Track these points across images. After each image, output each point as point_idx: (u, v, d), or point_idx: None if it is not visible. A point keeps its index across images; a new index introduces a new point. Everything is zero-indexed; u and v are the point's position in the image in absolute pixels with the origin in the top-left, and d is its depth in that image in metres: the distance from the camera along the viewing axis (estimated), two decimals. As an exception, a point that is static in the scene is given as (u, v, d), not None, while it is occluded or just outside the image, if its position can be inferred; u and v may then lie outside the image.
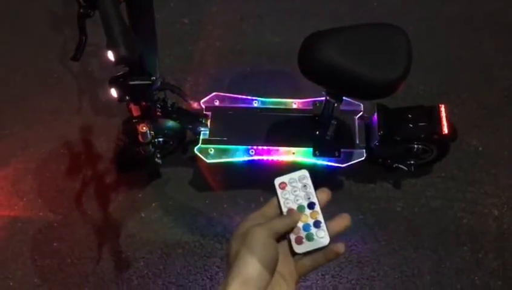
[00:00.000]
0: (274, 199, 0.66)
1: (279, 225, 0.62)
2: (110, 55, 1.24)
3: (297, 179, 0.66)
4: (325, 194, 0.66)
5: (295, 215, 0.64)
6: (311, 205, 0.64)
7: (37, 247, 2.01)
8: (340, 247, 0.62)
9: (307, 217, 0.63)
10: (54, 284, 1.94)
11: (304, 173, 0.67)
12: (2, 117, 2.32)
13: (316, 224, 0.62)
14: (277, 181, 0.66)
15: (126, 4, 1.28)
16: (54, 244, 2.01)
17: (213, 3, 2.67)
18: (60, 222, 2.06)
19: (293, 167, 1.87)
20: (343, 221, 0.64)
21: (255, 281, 0.56)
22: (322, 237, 0.61)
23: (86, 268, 1.96)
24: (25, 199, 2.10)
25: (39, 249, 2.01)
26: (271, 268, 0.58)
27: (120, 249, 2.00)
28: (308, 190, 0.65)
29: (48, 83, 2.41)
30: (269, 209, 0.65)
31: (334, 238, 0.61)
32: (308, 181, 0.66)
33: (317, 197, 0.65)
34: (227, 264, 0.61)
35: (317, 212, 0.64)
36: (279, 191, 0.66)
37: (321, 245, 0.61)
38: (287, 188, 0.66)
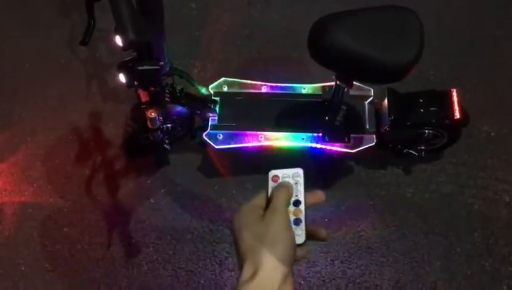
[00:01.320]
0: (264, 191, 0.68)
1: (281, 200, 0.63)
2: (118, 40, 1.23)
3: (290, 175, 0.68)
4: (317, 197, 0.68)
5: (285, 183, 0.66)
6: (296, 203, 0.66)
7: (47, 233, 2.02)
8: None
9: (290, 213, 0.65)
10: (64, 269, 1.96)
11: (299, 171, 0.68)
12: (10, 104, 2.32)
13: (296, 222, 0.64)
14: (271, 173, 0.68)
15: (134, -12, 1.27)
16: (64, 229, 2.03)
17: (220, -13, 2.65)
18: (70, 207, 2.07)
19: (302, 152, 1.88)
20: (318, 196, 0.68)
21: (276, 277, 0.57)
22: (298, 235, 0.63)
23: (97, 253, 1.97)
24: (35, 185, 2.11)
25: (50, 234, 2.02)
26: (290, 262, 0.60)
27: (130, 234, 2.01)
28: (298, 187, 0.67)
29: (56, 69, 2.41)
30: (258, 200, 0.67)
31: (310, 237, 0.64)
32: (301, 179, 0.67)
33: (306, 197, 0.66)
34: (239, 255, 0.61)
35: (300, 210, 0.65)
36: (270, 183, 0.68)
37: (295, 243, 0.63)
38: (279, 181, 0.67)
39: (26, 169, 2.15)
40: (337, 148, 1.88)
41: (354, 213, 2.02)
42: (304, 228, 0.63)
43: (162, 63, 1.52)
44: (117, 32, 1.19)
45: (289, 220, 0.63)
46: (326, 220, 1.99)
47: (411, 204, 2.06)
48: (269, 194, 0.66)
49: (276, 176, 0.68)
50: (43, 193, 2.10)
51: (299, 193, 0.66)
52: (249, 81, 2.01)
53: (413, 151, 2.00)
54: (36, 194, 2.09)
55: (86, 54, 2.41)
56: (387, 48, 1.48)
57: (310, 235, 0.64)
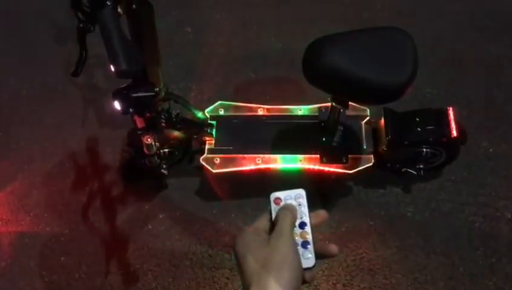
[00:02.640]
0: (266, 214, 0.67)
1: (286, 224, 0.62)
2: (112, 68, 1.23)
3: (293, 197, 0.66)
4: (321, 217, 0.67)
5: (289, 205, 0.65)
6: (302, 225, 0.64)
7: (44, 262, 2.00)
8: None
9: (297, 236, 0.63)
10: (62, 299, 1.93)
11: (301, 192, 0.67)
12: (8, 131, 2.32)
13: (304, 244, 0.63)
14: (272, 196, 0.67)
15: (127, 17, 1.27)
16: (62, 259, 2.00)
17: (215, 10, 2.67)
18: (67, 236, 2.05)
19: (301, 175, 1.86)
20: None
21: None
22: (307, 258, 0.62)
23: (95, 282, 1.94)
24: (31, 214, 2.09)
25: (47, 264, 1.99)
26: (297, 287, 0.58)
27: (128, 262, 1.98)
28: (302, 209, 0.65)
29: (52, 96, 2.41)
30: (262, 224, 0.66)
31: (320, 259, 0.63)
32: (304, 201, 0.66)
33: (310, 218, 0.65)
34: (243, 280, 0.60)
35: (307, 232, 0.64)
36: (273, 205, 0.66)
37: (305, 266, 0.61)
38: (281, 204, 0.66)
39: (23, 198, 2.13)
40: (335, 169, 1.87)
41: (355, 234, 2.00)
42: (312, 250, 0.62)
43: (157, 88, 1.52)
44: (110, 61, 1.19)
45: (295, 244, 0.61)
46: (326, 242, 1.96)
47: (412, 223, 2.03)
48: (273, 217, 0.65)
49: (278, 198, 0.66)
50: (40, 221, 2.07)
51: (304, 214, 0.65)
52: (245, 104, 2.01)
53: (411, 170, 1.99)
54: (32, 223, 2.07)
55: (82, 80, 2.42)
56: (382, 69, 1.48)
57: (319, 255, 0.63)
